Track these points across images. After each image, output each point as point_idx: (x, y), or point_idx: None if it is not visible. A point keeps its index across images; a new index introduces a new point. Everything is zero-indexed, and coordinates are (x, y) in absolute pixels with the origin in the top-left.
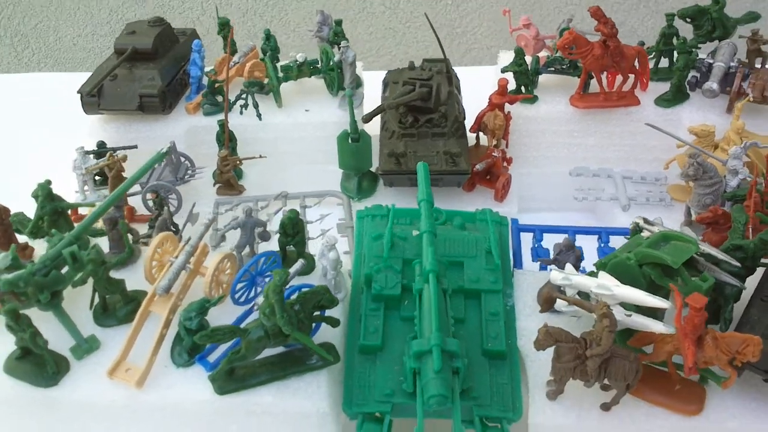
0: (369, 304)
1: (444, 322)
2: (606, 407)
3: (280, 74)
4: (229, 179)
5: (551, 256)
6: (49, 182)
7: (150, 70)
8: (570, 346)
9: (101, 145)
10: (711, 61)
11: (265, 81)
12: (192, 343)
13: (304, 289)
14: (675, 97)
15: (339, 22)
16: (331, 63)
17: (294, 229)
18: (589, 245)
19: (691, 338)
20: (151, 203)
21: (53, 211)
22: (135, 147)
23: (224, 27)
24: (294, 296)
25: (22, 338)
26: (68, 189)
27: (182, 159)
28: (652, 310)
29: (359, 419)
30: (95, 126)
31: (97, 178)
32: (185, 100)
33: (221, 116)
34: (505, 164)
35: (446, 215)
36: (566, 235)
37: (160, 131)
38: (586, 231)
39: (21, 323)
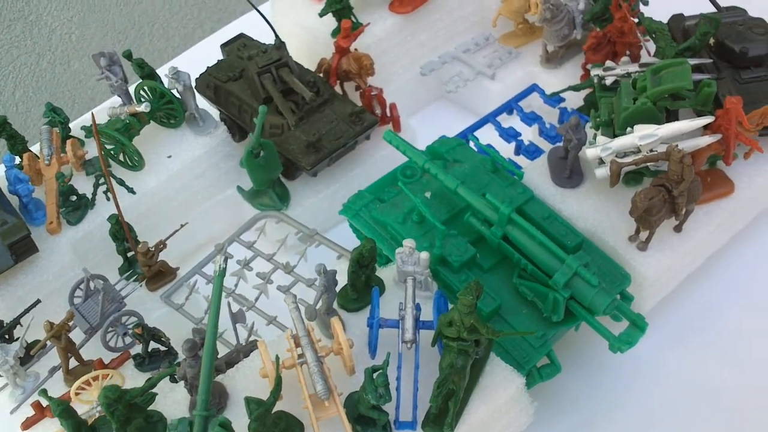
0: (458, 278)
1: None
2: (679, 228)
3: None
4: (159, 269)
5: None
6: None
7: None
8: (659, 198)
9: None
10: None
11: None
12: (386, 419)
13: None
14: None
15: (128, 54)
16: (167, 95)
17: (371, 258)
18: (509, 121)
19: (735, 131)
20: (120, 341)
21: (126, 408)
22: (38, 302)
23: (3, 127)
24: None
25: None
26: None
27: (101, 281)
28: None
29: (533, 373)
30: None
31: None
32: (32, 225)
33: (95, 216)
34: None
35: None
36: (573, 115)
37: (46, 268)
38: (500, 111)
39: None
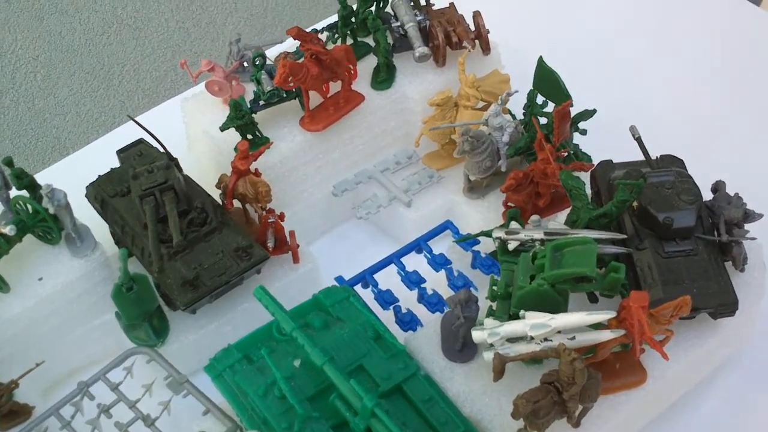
0: None
1: None
2: (577, 424)
3: None
4: (11, 408)
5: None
6: None
7: None
8: (547, 400)
9: None
10: (397, 24)
11: None
12: None
13: None
14: (389, 75)
15: (9, 162)
16: (41, 213)
17: None
18: (414, 262)
19: (641, 331)
20: None
21: None
22: None
23: None
24: None
25: None
26: None
27: None
28: None
29: None
30: None
31: None
32: None
33: None
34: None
35: (295, 322)
36: (464, 288)
37: None
38: (407, 250)
39: None
